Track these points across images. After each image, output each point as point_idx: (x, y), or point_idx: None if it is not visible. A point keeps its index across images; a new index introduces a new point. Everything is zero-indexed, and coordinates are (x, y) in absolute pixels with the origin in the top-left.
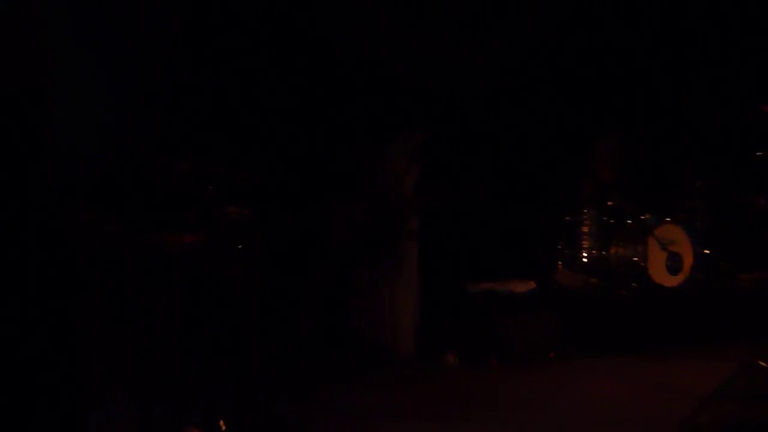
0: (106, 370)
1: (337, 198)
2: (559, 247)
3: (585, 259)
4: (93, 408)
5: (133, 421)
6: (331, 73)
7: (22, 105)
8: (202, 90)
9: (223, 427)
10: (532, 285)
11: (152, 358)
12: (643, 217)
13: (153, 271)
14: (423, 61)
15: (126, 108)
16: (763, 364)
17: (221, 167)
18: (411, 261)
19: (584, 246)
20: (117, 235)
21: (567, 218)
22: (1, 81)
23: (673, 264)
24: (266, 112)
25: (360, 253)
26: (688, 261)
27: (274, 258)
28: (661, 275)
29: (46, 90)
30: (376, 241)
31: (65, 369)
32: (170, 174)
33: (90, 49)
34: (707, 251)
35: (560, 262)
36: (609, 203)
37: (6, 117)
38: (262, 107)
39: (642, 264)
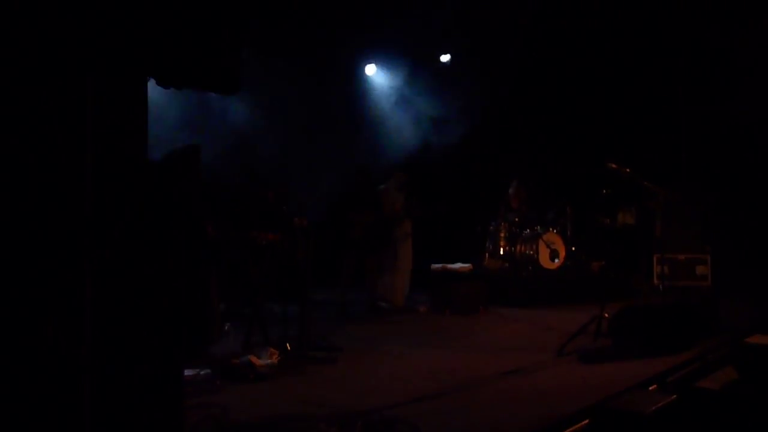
0: (225, 311)
1: (356, 213)
2: (486, 244)
3: (501, 252)
4: (217, 333)
5: (239, 341)
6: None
7: (186, 160)
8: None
9: (289, 348)
10: (470, 266)
11: (250, 305)
12: (536, 228)
13: (251, 254)
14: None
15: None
16: (606, 315)
17: (290, 195)
18: (407, 250)
19: (501, 244)
20: (231, 233)
21: (491, 228)
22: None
23: (553, 256)
24: (318, 167)
25: (370, 246)
26: (562, 254)
27: (321, 248)
28: (546, 262)
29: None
30: (379, 239)
31: (204, 309)
32: (262, 199)
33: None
34: (573, 248)
35: (486, 254)
36: (516, 219)
37: (178, 166)
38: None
39: (535, 256)
